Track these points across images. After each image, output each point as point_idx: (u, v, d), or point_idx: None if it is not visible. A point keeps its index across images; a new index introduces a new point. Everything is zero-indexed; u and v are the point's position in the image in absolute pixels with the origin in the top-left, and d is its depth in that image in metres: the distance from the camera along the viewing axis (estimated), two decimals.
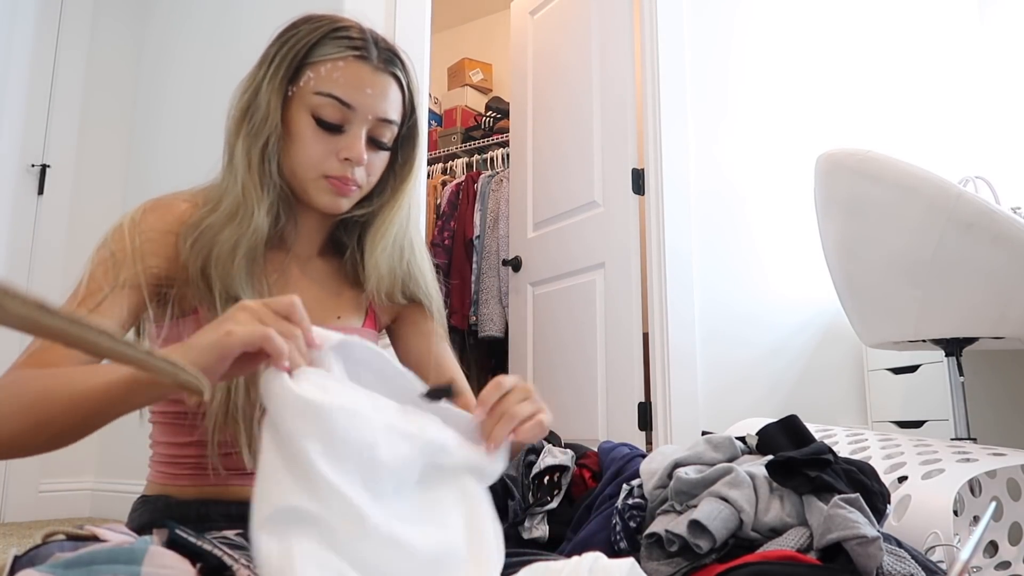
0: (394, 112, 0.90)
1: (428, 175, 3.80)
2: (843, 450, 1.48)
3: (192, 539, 0.64)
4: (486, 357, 3.63)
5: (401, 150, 0.96)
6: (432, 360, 1.02)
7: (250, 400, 0.81)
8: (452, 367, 1.03)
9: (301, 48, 0.87)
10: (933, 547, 1.09)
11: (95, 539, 0.64)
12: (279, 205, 0.89)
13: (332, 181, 0.87)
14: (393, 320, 1.05)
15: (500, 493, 1.15)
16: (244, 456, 0.81)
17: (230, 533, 0.78)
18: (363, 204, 0.95)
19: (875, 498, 0.92)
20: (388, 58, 0.89)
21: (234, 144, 0.87)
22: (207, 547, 0.64)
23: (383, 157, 0.92)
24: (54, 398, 0.67)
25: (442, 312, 1.05)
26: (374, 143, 0.90)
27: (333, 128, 0.86)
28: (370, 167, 0.90)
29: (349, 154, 0.86)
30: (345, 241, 0.98)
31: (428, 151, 3.32)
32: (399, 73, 0.90)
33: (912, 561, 0.83)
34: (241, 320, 0.60)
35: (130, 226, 0.85)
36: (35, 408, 0.67)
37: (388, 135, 0.91)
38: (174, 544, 0.64)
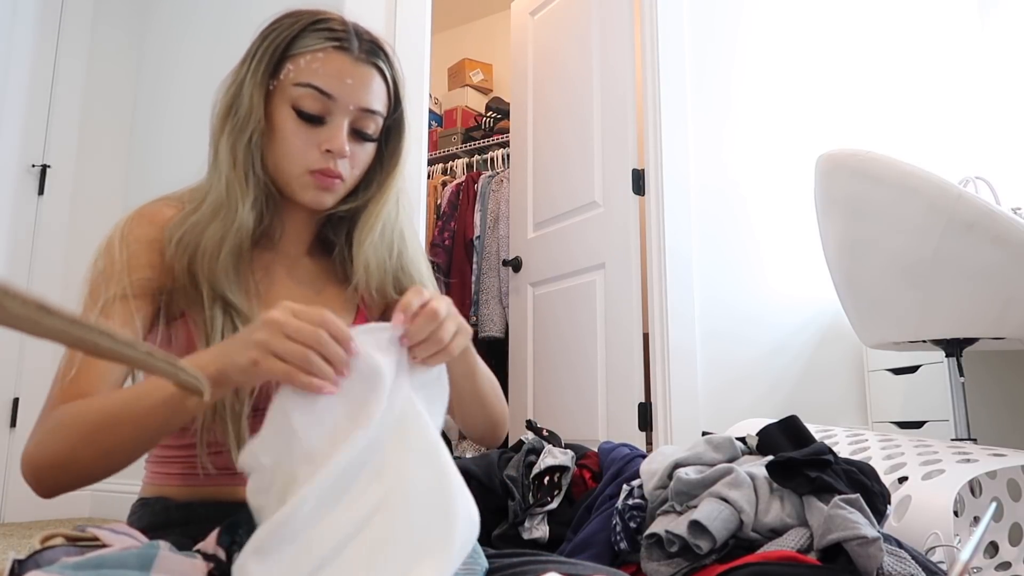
0: (377, 103, 0.89)
1: (428, 175, 3.80)
2: (843, 450, 1.48)
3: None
4: (486, 357, 3.59)
5: (387, 143, 0.95)
6: None
7: (238, 398, 0.80)
8: None
9: (282, 42, 0.87)
10: (933, 548, 1.09)
11: (95, 540, 0.64)
12: (264, 201, 0.88)
13: (315, 176, 0.87)
14: (384, 314, 1.04)
15: (500, 493, 1.15)
16: (233, 455, 0.81)
17: None
18: (349, 199, 0.94)
19: (875, 499, 0.92)
20: (370, 49, 0.88)
21: (218, 141, 0.87)
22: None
23: (368, 149, 0.91)
24: (118, 420, 0.72)
25: None
26: (358, 135, 0.89)
27: (314, 119, 0.86)
28: (354, 159, 0.89)
29: (331, 145, 0.85)
30: (333, 239, 0.97)
31: (428, 151, 3.32)
32: (382, 64, 0.89)
33: (912, 562, 0.83)
34: (272, 343, 0.66)
35: (118, 240, 0.85)
36: (100, 433, 0.72)
37: (372, 127, 0.89)
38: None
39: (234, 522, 0.70)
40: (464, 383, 0.91)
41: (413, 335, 0.71)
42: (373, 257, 0.94)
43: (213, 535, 0.69)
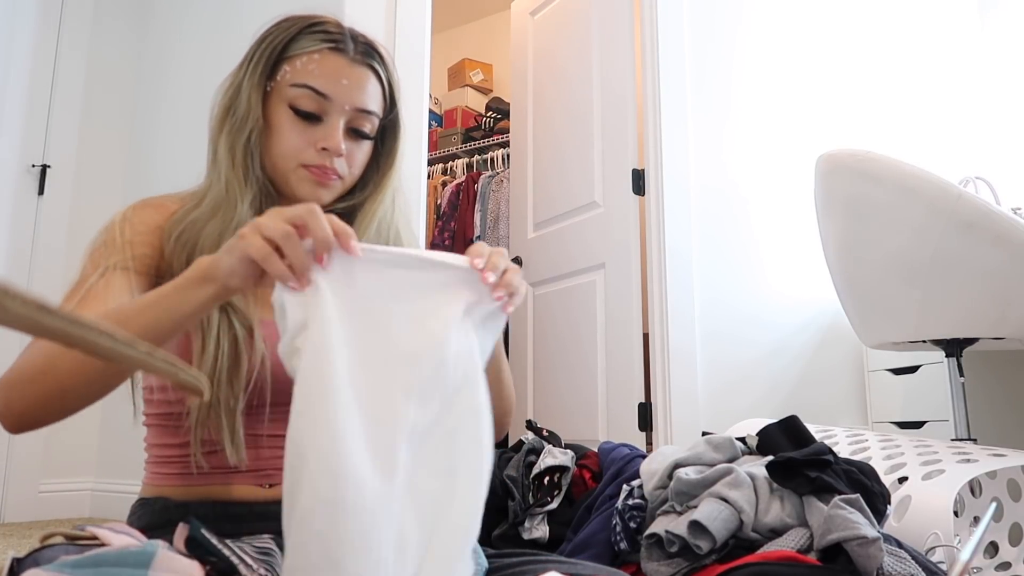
0: (373, 103, 0.90)
1: (428, 175, 3.80)
2: (843, 451, 1.48)
3: (213, 541, 0.65)
4: None
5: (383, 143, 0.97)
6: None
7: (232, 392, 0.81)
8: None
9: (278, 44, 0.88)
10: (933, 548, 1.09)
11: (94, 539, 0.64)
12: (262, 200, 0.89)
13: (311, 170, 0.88)
14: None
15: (500, 493, 1.15)
16: (227, 452, 0.81)
17: (266, 536, 0.78)
18: (346, 198, 0.95)
19: (875, 499, 0.92)
20: (365, 51, 0.90)
21: (217, 140, 0.89)
22: (225, 551, 0.65)
23: (364, 149, 0.92)
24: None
25: None
26: (354, 133, 0.90)
27: (310, 117, 0.87)
28: (351, 158, 0.91)
29: (327, 143, 0.87)
30: None
31: (428, 151, 3.32)
32: (377, 66, 0.91)
33: (912, 562, 0.83)
34: (264, 223, 0.63)
35: (120, 220, 0.86)
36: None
37: (368, 126, 0.91)
38: (193, 541, 0.64)
39: (195, 528, 0.69)
40: (489, 367, 0.91)
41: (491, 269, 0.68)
42: None
43: (180, 537, 0.69)
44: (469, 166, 4.07)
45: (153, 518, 0.84)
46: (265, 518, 0.84)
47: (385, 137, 0.96)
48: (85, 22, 2.85)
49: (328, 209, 0.94)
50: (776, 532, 0.89)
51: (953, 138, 3.06)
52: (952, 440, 1.67)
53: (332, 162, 0.88)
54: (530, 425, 1.33)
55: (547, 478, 1.16)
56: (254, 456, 0.85)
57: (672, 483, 0.97)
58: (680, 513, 0.94)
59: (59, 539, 0.63)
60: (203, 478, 0.85)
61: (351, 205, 0.96)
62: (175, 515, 0.83)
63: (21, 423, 0.72)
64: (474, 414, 0.64)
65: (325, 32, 0.89)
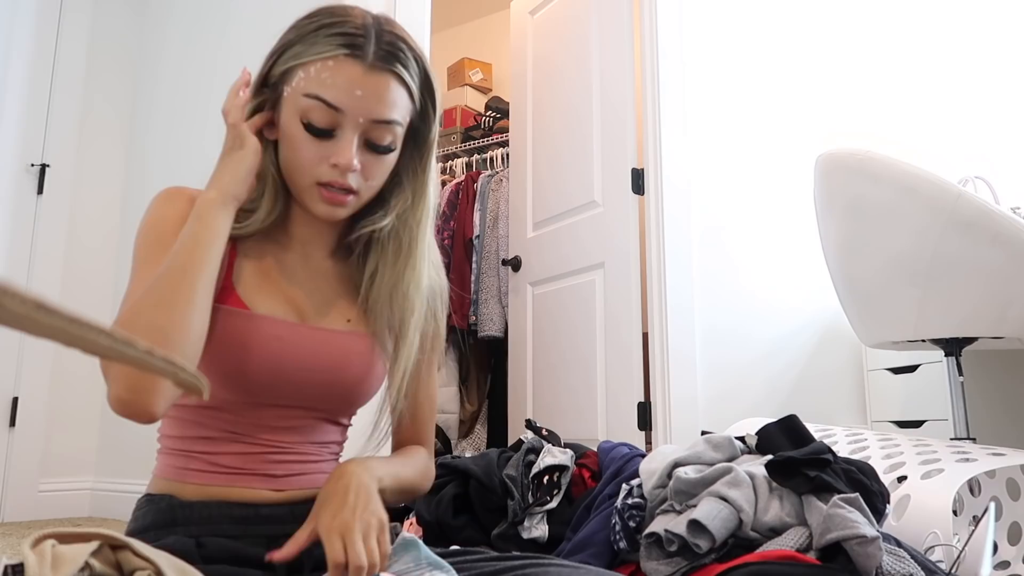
0: (394, 112, 0.84)
1: None
2: (842, 450, 1.48)
3: None
4: (486, 357, 3.63)
5: (413, 151, 0.92)
6: (413, 379, 0.96)
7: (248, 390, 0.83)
8: (427, 401, 0.98)
9: (296, 45, 0.85)
10: (932, 547, 1.09)
11: (90, 540, 0.63)
12: (285, 202, 0.90)
13: (324, 191, 0.84)
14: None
15: (500, 493, 1.15)
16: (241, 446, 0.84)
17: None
18: (369, 212, 0.92)
19: (874, 498, 0.92)
20: (386, 55, 0.84)
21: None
22: None
23: (385, 161, 0.87)
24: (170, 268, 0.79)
25: (441, 338, 1.00)
26: (372, 147, 0.85)
27: (322, 133, 0.83)
28: (368, 171, 0.86)
29: (338, 160, 0.82)
30: (352, 245, 0.96)
31: None
32: (399, 70, 0.84)
33: (911, 561, 0.83)
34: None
35: (161, 217, 0.87)
36: (158, 283, 0.78)
37: (388, 138, 0.85)
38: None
39: None
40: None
41: None
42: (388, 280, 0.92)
43: None
44: (468, 165, 4.07)
45: (157, 517, 0.84)
46: (269, 521, 0.83)
47: (414, 144, 0.91)
48: (84, 22, 2.85)
49: (349, 224, 0.93)
50: (775, 531, 0.89)
51: (953, 138, 3.05)
52: (951, 439, 1.67)
53: (346, 177, 0.84)
54: (529, 424, 1.33)
55: (546, 477, 1.16)
56: (264, 459, 0.85)
57: (671, 482, 0.97)
58: (679, 512, 0.94)
59: (51, 542, 0.62)
60: (214, 476, 0.84)
61: (375, 228, 0.92)
62: (179, 515, 0.82)
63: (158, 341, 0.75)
64: None
65: (344, 34, 0.82)
